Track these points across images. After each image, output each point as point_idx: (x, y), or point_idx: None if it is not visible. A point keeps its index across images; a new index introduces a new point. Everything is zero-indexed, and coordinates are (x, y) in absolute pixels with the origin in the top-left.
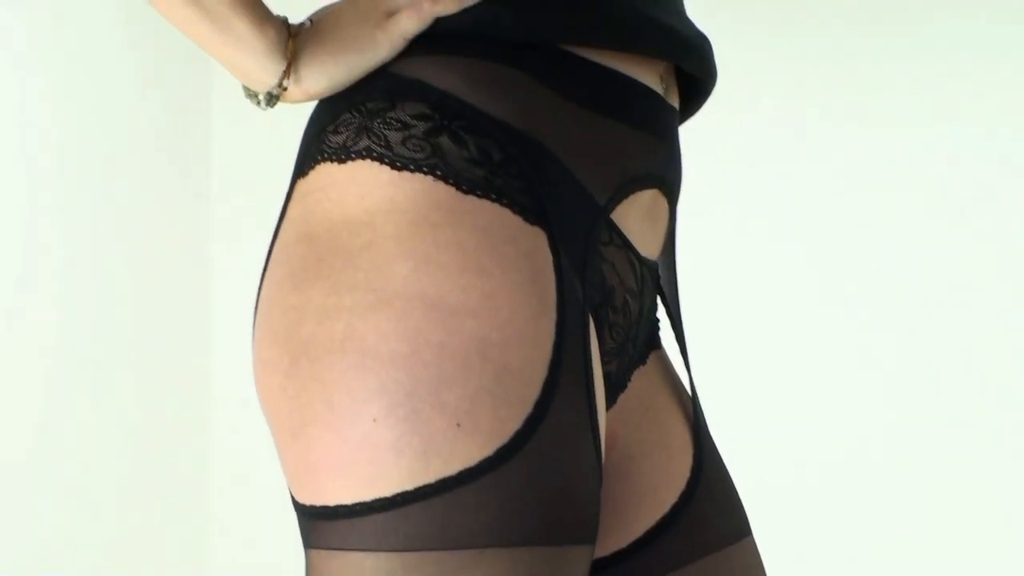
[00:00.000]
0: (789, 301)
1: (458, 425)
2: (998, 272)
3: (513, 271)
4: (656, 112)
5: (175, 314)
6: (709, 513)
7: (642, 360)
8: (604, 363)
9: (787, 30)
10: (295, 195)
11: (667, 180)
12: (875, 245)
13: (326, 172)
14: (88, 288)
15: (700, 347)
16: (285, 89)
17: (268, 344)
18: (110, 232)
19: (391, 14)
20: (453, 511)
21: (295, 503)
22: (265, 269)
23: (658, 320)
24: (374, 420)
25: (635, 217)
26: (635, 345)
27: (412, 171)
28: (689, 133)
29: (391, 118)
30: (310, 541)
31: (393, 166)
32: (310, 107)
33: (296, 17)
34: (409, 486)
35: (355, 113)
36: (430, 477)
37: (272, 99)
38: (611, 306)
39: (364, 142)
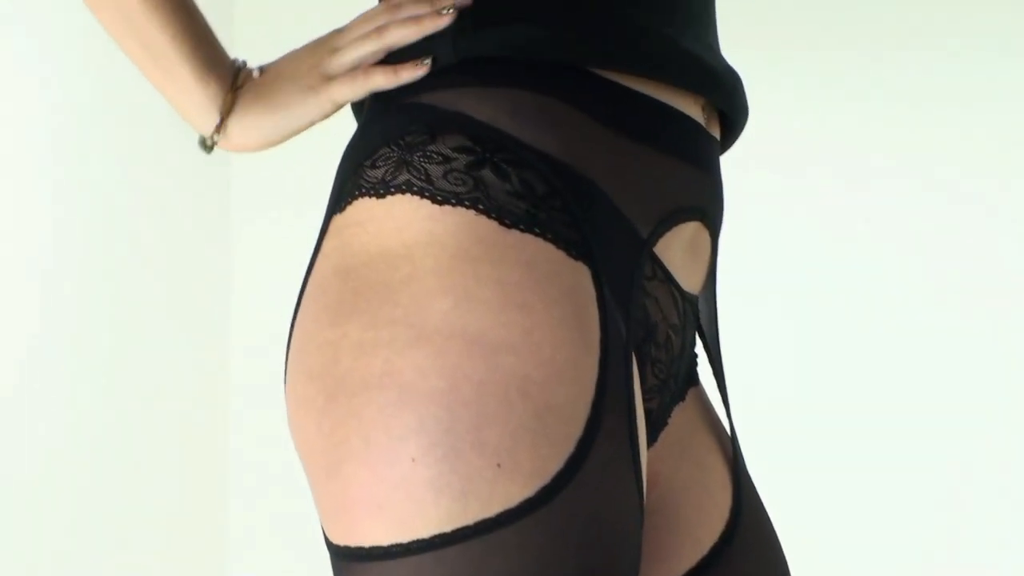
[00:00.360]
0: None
1: (498, 465)
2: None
3: (556, 307)
4: (698, 142)
5: (194, 321)
6: (749, 554)
7: (681, 396)
8: (646, 400)
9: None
10: (331, 229)
11: (709, 212)
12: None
13: (364, 207)
14: (110, 291)
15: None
16: (215, 143)
17: (303, 381)
18: (130, 237)
19: (328, 78)
20: (492, 554)
21: (328, 543)
22: (299, 304)
23: (696, 355)
24: (412, 459)
25: (677, 250)
26: (676, 382)
27: (453, 205)
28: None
29: (431, 151)
30: None
31: (434, 200)
32: (334, 119)
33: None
34: (447, 527)
35: (393, 147)
36: (469, 519)
37: (206, 147)
38: (654, 342)
39: (404, 176)
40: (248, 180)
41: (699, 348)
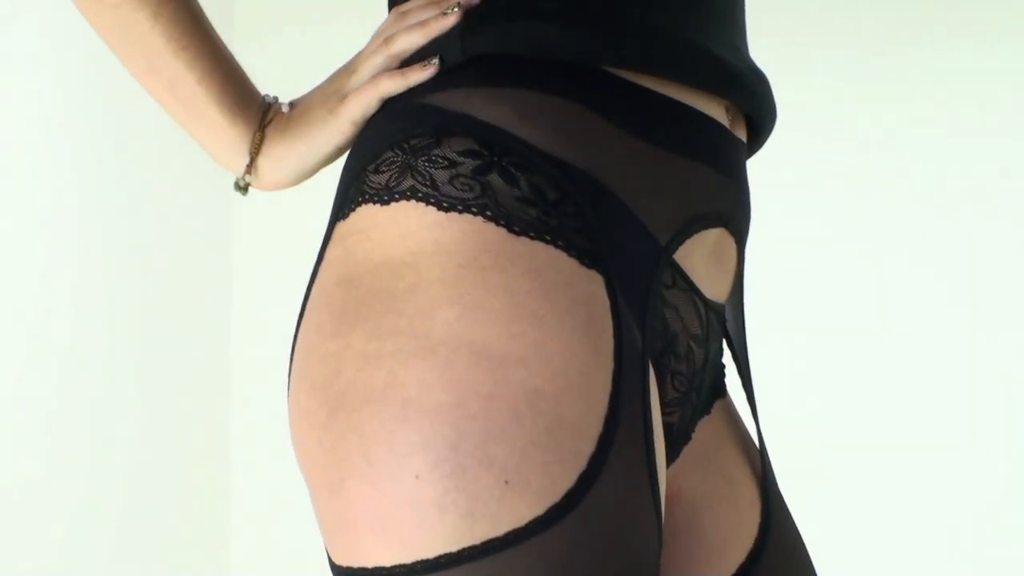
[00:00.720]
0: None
1: (506, 482)
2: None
3: (567, 318)
4: (721, 145)
5: (195, 321)
6: (777, 574)
7: (706, 410)
8: (666, 414)
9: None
10: (334, 237)
11: (734, 218)
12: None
13: (368, 214)
14: (110, 294)
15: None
16: (249, 183)
17: (305, 393)
18: (131, 239)
19: (343, 97)
20: (499, 575)
21: (331, 564)
22: (302, 314)
23: (723, 366)
24: (416, 476)
25: (700, 258)
26: (699, 394)
27: (460, 211)
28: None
29: (437, 155)
30: None
31: (440, 206)
32: None
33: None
34: (453, 547)
35: (398, 151)
36: (476, 538)
37: (240, 189)
38: (674, 353)
39: (408, 182)
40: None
41: (727, 358)
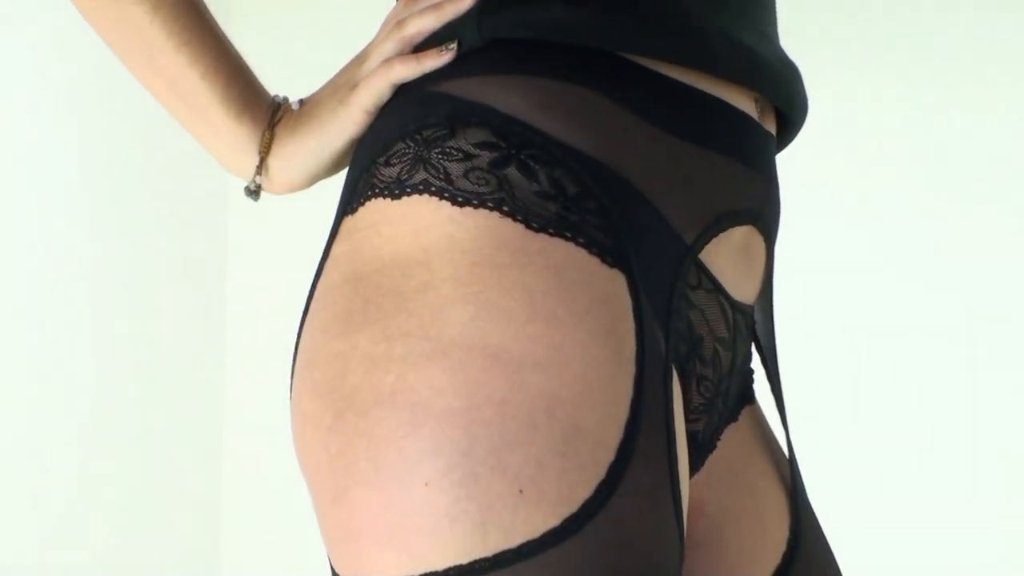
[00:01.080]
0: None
1: (520, 491)
2: None
3: (587, 319)
4: (750, 138)
5: (189, 323)
6: None
7: (733, 417)
8: (690, 421)
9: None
10: (341, 232)
11: (763, 215)
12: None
13: (377, 209)
14: (104, 291)
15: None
16: (260, 186)
17: (309, 397)
18: (125, 235)
19: (355, 86)
20: None
21: (334, 575)
22: (306, 313)
23: (752, 371)
24: (426, 484)
25: (727, 257)
26: (726, 401)
27: (475, 206)
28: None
29: (451, 147)
30: None
31: (454, 201)
32: None
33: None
34: (463, 559)
35: (410, 142)
36: (487, 550)
37: (252, 194)
38: (699, 358)
39: (421, 175)
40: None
41: (756, 363)
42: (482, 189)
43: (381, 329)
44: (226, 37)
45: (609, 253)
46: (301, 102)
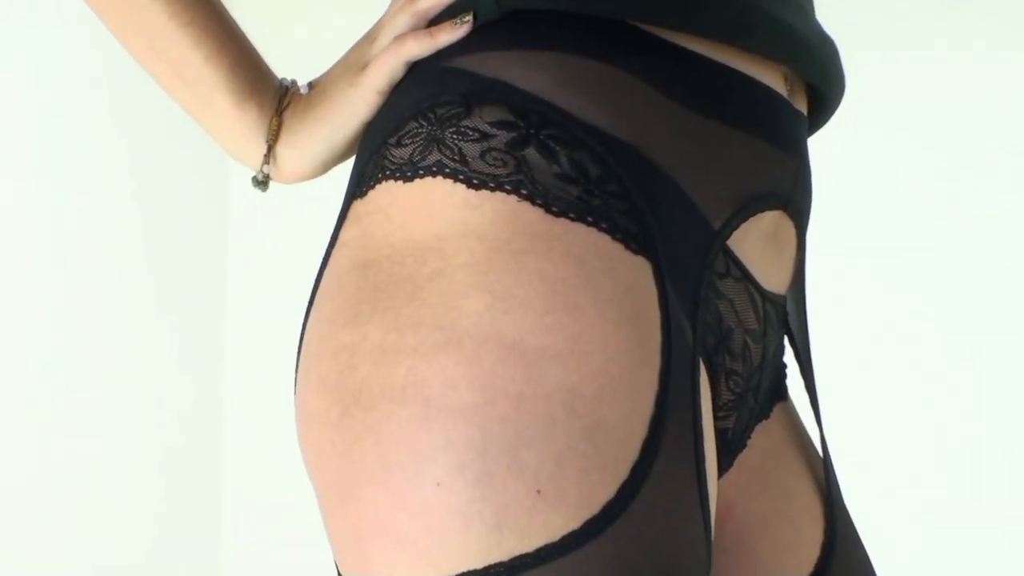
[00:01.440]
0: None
1: (538, 492)
2: None
3: (610, 309)
4: (781, 118)
5: (189, 319)
6: None
7: (764, 414)
8: (719, 418)
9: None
10: (349, 216)
11: (794, 199)
12: None
13: (388, 192)
14: (104, 290)
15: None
16: (268, 175)
17: (314, 391)
18: (126, 232)
19: (365, 66)
20: None
21: None
22: (311, 302)
23: (785, 366)
24: (438, 483)
25: (756, 244)
26: (756, 396)
27: (492, 189)
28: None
29: (466, 127)
30: None
31: (469, 184)
32: None
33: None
34: (477, 564)
35: (422, 121)
36: (503, 554)
37: (260, 184)
38: (728, 351)
39: (434, 156)
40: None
41: (788, 357)
42: (499, 171)
43: (392, 319)
44: (231, 16)
45: (633, 239)
46: (310, 85)
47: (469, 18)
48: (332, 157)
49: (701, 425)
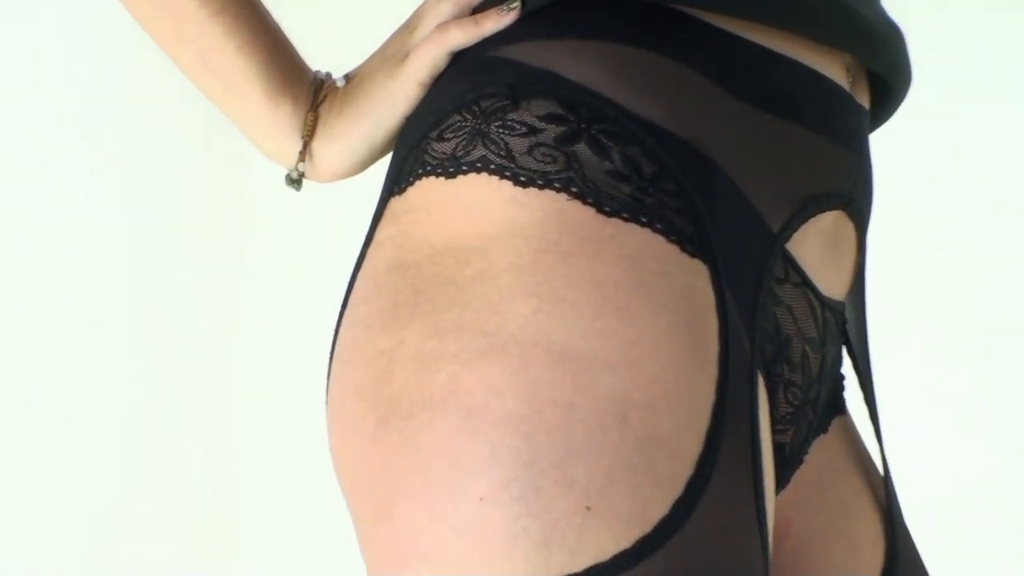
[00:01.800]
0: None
1: (588, 508)
2: None
3: (664, 314)
4: (842, 112)
5: (203, 317)
6: None
7: (823, 428)
8: (776, 432)
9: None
10: (387, 214)
11: (855, 199)
12: None
13: (429, 188)
14: (116, 285)
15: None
16: (303, 173)
17: (349, 399)
18: (141, 228)
19: (406, 56)
20: None
21: None
22: (345, 305)
23: (843, 377)
24: (481, 498)
25: (815, 247)
26: (815, 409)
27: (540, 187)
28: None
29: (513, 120)
30: None
31: (516, 181)
32: None
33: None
34: None
35: (466, 114)
36: (550, 573)
37: (294, 183)
38: (786, 360)
39: (479, 151)
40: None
41: (847, 367)
42: (548, 168)
43: (432, 323)
44: (263, 6)
45: (689, 240)
46: (346, 78)
47: (517, 5)
48: (371, 154)
49: (759, 439)
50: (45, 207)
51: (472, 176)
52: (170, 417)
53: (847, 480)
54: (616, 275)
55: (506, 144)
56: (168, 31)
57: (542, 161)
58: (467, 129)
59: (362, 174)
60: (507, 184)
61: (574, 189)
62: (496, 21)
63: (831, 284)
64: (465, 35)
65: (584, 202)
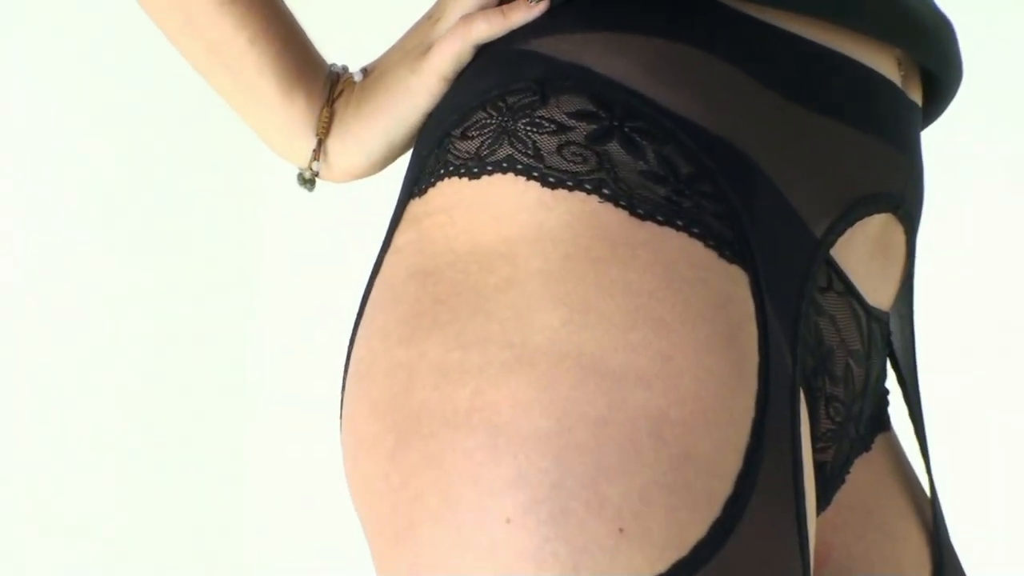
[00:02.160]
0: None
1: (620, 530)
2: None
3: (702, 325)
4: (892, 109)
5: (213, 317)
6: None
7: (866, 446)
8: (817, 450)
9: None
10: (406, 218)
11: (905, 202)
12: None
13: (452, 189)
14: (123, 284)
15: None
16: (316, 173)
17: (365, 416)
18: (147, 226)
19: (428, 49)
20: None
21: None
22: (360, 315)
23: (887, 392)
24: (507, 520)
25: (861, 253)
26: (858, 426)
27: (570, 189)
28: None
29: (541, 117)
30: None
31: (544, 182)
32: None
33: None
34: None
35: (491, 111)
36: None
37: (306, 183)
38: (829, 374)
39: (505, 150)
40: (272, 165)
41: (891, 382)
42: (578, 168)
43: (454, 334)
44: None
45: (728, 246)
46: (364, 71)
47: None
48: (389, 152)
49: (801, 457)
50: (55, 208)
51: (497, 177)
52: (179, 420)
53: (891, 501)
54: (651, 283)
55: (534, 143)
56: (176, 21)
57: (572, 161)
58: (492, 127)
59: (380, 174)
60: (535, 185)
61: (606, 191)
62: (524, 13)
63: (877, 293)
64: (491, 27)
65: (616, 204)
